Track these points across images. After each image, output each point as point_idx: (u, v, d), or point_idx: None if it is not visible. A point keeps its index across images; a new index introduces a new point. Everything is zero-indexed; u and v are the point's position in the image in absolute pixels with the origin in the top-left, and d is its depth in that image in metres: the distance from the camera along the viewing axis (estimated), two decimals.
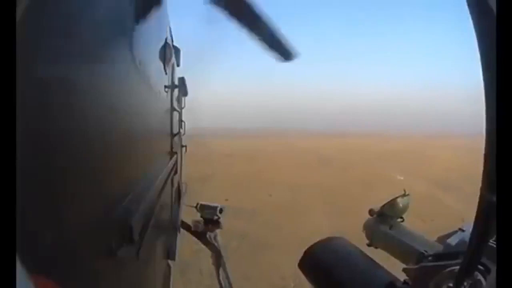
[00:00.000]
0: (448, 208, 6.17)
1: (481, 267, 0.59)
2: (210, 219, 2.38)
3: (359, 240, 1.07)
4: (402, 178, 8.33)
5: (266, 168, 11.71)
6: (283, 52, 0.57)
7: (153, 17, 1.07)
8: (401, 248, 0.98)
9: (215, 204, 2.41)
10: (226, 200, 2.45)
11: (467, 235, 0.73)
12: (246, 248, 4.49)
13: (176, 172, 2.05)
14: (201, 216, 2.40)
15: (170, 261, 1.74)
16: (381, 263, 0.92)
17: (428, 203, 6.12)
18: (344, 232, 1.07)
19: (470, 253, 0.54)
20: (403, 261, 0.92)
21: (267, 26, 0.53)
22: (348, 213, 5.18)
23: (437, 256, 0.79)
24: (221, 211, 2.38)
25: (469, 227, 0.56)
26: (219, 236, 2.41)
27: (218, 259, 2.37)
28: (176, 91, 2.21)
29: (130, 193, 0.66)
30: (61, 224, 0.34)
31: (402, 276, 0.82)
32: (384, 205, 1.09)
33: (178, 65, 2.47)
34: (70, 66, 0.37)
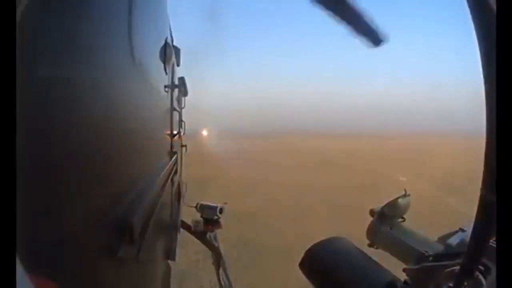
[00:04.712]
0: (452, 209, 6.13)
1: (481, 267, 0.59)
2: (210, 219, 2.38)
3: (362, 242, 1.07)
4: (404, 179, 8.29)
5: (266, 169, 11.68)
6: (372, 36, 0.56)
7: (153, 17, 1.08)
8: (402, 248, 0.98)
9: (215, 204, 2.42)
10: (225, 203, 2.44)
11: (467, 235, 0.73)
12: (248, 257, 4.36)
13: (176, 172, 2.05)
14: (201, 216, 2.41)
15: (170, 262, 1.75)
16: (381, 263, 0.92)
17: (431, 204, 6.09)
18: (347, 235, 1.06)
19: (470, 253, 0.54)
20: (404, 261, 0.92)
21: (354, 10, 0.52)
22: (350, 215, 5.14)
23: (438, 256, 0.79)
24: (221, 211, 2.38)
25: (469, 227, 0.56)
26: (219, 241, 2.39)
27: (218, 259, 2.37)
28: (176, 91, 2.22)
29: (130, 193, 0.66)
30: (61, 224, 0.34)
31: (402, 276, 0.82)
32: (385, 206, 1.09)
33: (178, 65, 2.48)
34: (70, 66, 0.37)
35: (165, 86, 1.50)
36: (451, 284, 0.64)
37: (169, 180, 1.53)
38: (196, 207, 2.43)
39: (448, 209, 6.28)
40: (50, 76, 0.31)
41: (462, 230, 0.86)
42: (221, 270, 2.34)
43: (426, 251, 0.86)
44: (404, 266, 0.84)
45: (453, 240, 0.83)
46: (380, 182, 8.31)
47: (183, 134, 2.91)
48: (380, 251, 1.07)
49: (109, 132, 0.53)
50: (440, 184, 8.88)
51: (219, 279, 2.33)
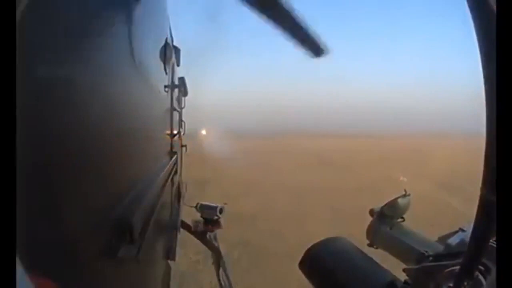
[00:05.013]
0: (452, 209, 6.12)
1: (481, 267, 0.59)
2: (210, 219, 2.38)
3: (362, 242, 1.07)
4: (405, 179, 8.28)
5: (266, 170, 11.66)
6: (313, 48, 0.56)
7: (153, 17, 1.08)
8: (402, 248, 0.98)
9: (215, 204, 2.42)
10: (225, 203, 2.44)
11: (467, 235, 0.73)
12: (249, 257, 4.33)
13: (176, 172, 2.05)
14: (201, 216, 2.41)
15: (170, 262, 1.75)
16: (381, 263, 0.92)
17: (431, 204, 6.08)
18: (347, 235, 1.06)
19: (470, 253, 0.54)
20: (404, 261, 0.92)
21: (297, 21, 0.52)
22: (350, 215, 5.12)
23: (438, 256, 0.79)
24: (221, 211, 2.38)
25: (469, 227, 0.56)
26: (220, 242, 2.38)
27: (218, 260, 2.37)
28: (176, 91, 2.22)
29: (130, 193, 0.66)
30: (61, 224, 0.34)
31: (402, 276, 0.82)
32: (384, 206, 1.09)
33: (178, 65, 2.47)
34: (70, 66, 0.37)
35: (165, 86, 1.50)
36: (451, 284, 0.64)
37: (169, 180, 1.53)
38: (196, 207, 2.43)
39: (448, 209, 6.28)
40: (50, 76, 0.31)
41: (462, 230, 0.86)
42: (221, 271, 2.34)
43: (426, 251, 0.86)
44: (404, 266, 0.84)
45: (453, 240, 0.83)
46: (380, 182, 8.30)
47: (183, 134, 2.91)
48: (380, 251, 1.07)
49: (109, 132, 0.53)
50: (440, 184, 8.87)
51: (219, 280, 2.33)
